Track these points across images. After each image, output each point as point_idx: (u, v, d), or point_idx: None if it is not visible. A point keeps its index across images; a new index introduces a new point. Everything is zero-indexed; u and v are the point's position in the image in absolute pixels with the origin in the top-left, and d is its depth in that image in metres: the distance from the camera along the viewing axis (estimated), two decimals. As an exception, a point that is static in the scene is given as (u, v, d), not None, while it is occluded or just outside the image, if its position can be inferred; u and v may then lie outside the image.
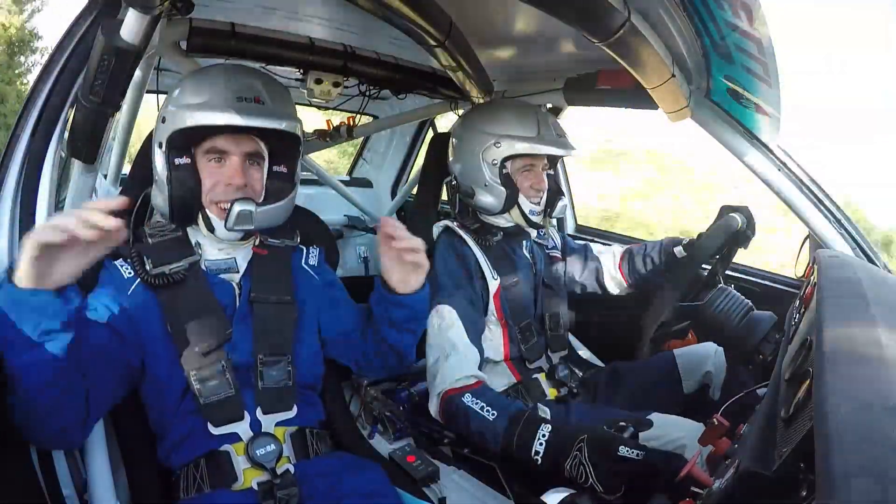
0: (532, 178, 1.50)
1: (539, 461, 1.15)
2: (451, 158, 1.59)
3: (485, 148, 1.47)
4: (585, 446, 1.09)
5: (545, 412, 1.42)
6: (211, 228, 1.06)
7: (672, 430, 1.29)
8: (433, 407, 1.36)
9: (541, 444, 1.15)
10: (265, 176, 1.08)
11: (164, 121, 1.02)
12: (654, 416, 1.33)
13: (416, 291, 1.07)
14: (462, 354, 1.35)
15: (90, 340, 0.90)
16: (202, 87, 1.02)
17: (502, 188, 1.47)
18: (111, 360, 0.95)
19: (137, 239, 1.07)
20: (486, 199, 1.51)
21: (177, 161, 1.02)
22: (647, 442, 1.24)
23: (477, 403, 1.26)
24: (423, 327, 1.18)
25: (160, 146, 1.03)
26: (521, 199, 1.49)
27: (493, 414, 1.24)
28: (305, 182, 2.72)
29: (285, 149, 1.10)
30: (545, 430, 1.17)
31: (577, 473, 1.09)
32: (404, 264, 1.03)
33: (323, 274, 1.23)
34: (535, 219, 1.51)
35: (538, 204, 1.51)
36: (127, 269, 1.04)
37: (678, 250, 1.55)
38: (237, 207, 1.02)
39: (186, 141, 1.02)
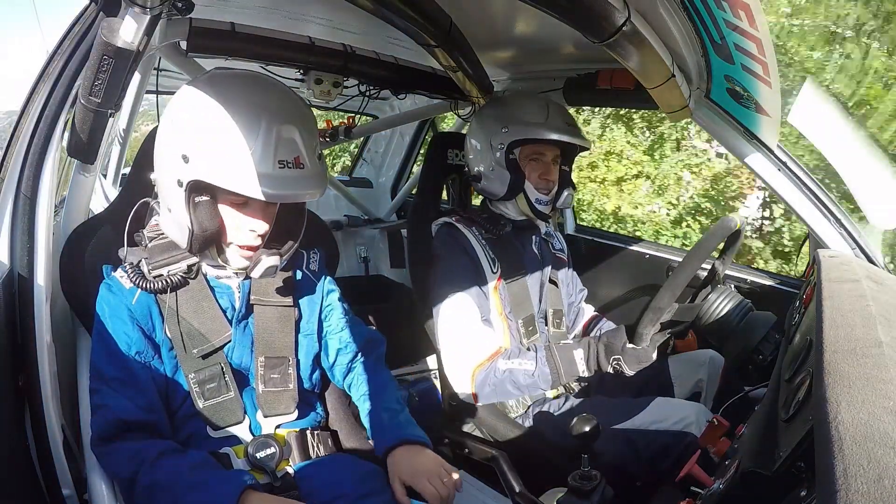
0: (540, 169, 1.50)
1: (585, 375, 1.35)
2: (469, 156, 1.61)
3: (493, 133, 1.50)
4: (623, 361, 1.27)
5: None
6: (226, 262, 1.03)
7: (677, 412, 1.33)
8: (464, 387, 1.41)
9: (581, 364, 1.34)
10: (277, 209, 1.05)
11: (185, 160, 0.92)
12: (658, 400, 1.36)
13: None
14: (479, 334, 1.41)
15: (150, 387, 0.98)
16: (236, 134, 0.90)
17: (507, 172, 1.49)
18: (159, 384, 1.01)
19: (135, 242, 1.06)
20: (491, 184, 1.53)
21: (197, 199, 0.95)
22: (654, 425, 1.29)
23: (511, 362, 1.37)
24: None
25: (179, 184, 0.93)
26: (528, 188, 1.50)
27: (530, 364, 1.36)
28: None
29: None
30: (580, 355, 1.34)
31: (619, 370, 1.28)
32: None
33: (323, 281, 1.22)
34: (541, 208, 1.52)
35: (546, 194, 1.51)
36: (127, 278, 1.02)
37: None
38: (265, 263, 0.99)
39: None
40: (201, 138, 0.92)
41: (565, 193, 1.55)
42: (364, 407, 1.13)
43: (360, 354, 1.19)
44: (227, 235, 1.00)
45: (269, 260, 1.00)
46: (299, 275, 1.18)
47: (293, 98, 1.01)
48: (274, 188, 0.91)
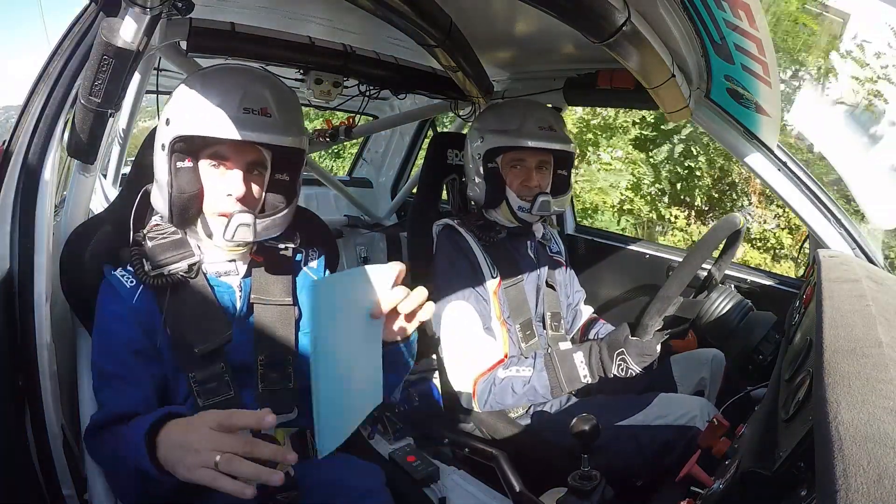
0: (522, 176, 1.49)
1: (589, 381, 1.33)
2: (466, 165, 1.62)
3: (474, 143, 1.52)
4: (627, 354, 1.26)
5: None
6: (209, 234, 1.04)
7: (681, 406, 1.34)
8: (465, 399, 1.42)
9: (582, 368, 1.33)
10: (266, 184, 1.06)
11: (167, 122, 1.00)
12: (661, 396, 1.37)
13: (406, 338, 0.98)
14: (481, 344, 1.41)
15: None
16: (210, 91, 0.98)
17: (484, 182, 1.50)
18: (158, 383, 0.99)
19: (136, 242, 1.06)
20: (474, 192, 1.55)
21: (178, 164, 0.99)
22: (658, 420, 1.31)
23: (509, 370, 1.38)
24: (407, 371, 1.08)
25: (162, 147, 1.00)
26: (511, 196, 1.50)
27: (528, 370, 1.36)
28: (305, 182, 2.72)
29: (289, 158, 1.08)
30: (580, 358, 1.33)
31: (626, 372, 1.28)
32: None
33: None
34: (523, 216, 1.51)
35: (528, 201, 1.50)
36: (128, 277, 1.02)
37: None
38: (237, 220, 1.00)
39: (189, 145, 1.00)
40: (181, 100, 1.00)
41: (539, 200, 1.47)
42: None
43: None
44: (208, 202, 1.01)
45: (240, 217, 0.99)
46: (299, 274, 1.18)
47: (270, 77, 1.06)
48: (237, 127, 0.95)
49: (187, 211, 1.01)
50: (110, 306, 1.00)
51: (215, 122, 0.95)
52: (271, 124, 0.98)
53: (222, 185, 1.01)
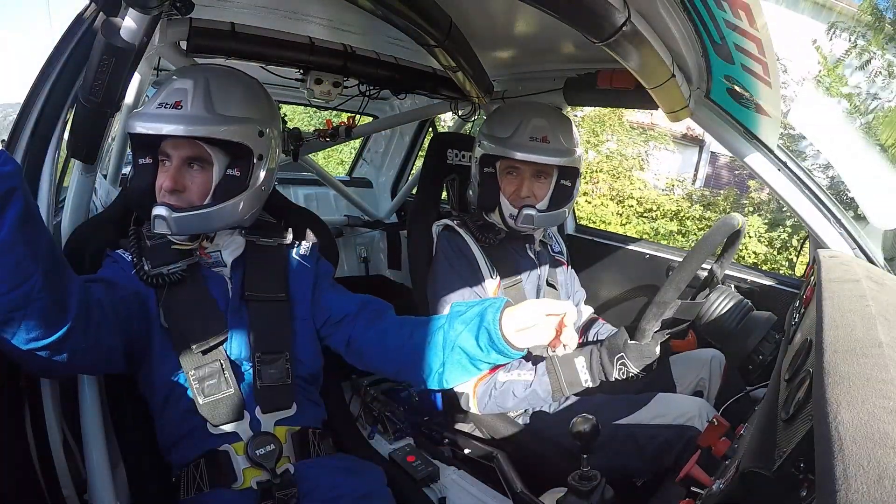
0: (515, 184, 1.47)
1: (590, 385, 1.32)
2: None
3: (476, 146, 1.53)
4: (627, 358, 1.25)
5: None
6: None
7: (679, 407, 1.33)
8: (466, 400, 1.40)
9: (584, 373, 1.31)
10: (215, 179, 1.04)
11: None
12: (659, 396, 1.36)
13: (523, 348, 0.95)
14: None
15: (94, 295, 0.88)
16: (158, 91, 1.02)
17: (477, 186, 1.51)
18: (114, 309, 0.92)
19: (136, 236, 1.07)
20: (471, 194, 1.56)
21: (140, 161, 1.04)
22: (656, 420, 1.30)
23: (511, 374, 1.35)
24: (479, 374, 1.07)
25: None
26: (504, 202, 1.48)
27: (529, 374, 1.34)
28: (305, 182, 2.73)
29: (234, 152, 1.05)
30: (581, 363, 1.31)
31: (626, 376, 1.27)
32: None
33: (314, 263, 1.22)
34: (511, 224, 1.49)
35: (517, 210, 1.47)
36: (129, 255, 1.06)
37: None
38: (153, 212, 1.01)
39: (147, 142, 1.02)
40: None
41: (523, 213, 1.43)
42: (418, 335, 1.06)
43: (372, 311, 1.15)
44: (157, 196, 1.04)
45: (156, 209, 1.01)
46: (291, 264, 1.19)
47: (210, 71, 1.06)
48: (141, 122, 0.97)
49: (141, 204, 1.04)
50: (110, 266, 1.05)
51: (136, 119, 0.98)
52: (177, 115, 0.99)
53: (159, 179, 1.04)
